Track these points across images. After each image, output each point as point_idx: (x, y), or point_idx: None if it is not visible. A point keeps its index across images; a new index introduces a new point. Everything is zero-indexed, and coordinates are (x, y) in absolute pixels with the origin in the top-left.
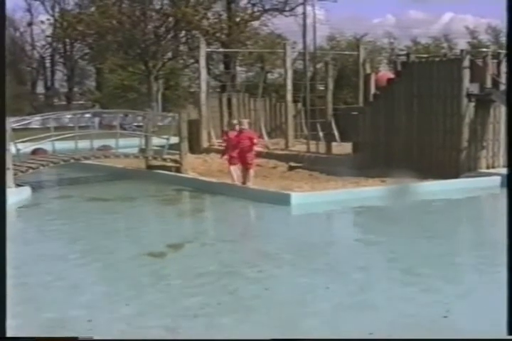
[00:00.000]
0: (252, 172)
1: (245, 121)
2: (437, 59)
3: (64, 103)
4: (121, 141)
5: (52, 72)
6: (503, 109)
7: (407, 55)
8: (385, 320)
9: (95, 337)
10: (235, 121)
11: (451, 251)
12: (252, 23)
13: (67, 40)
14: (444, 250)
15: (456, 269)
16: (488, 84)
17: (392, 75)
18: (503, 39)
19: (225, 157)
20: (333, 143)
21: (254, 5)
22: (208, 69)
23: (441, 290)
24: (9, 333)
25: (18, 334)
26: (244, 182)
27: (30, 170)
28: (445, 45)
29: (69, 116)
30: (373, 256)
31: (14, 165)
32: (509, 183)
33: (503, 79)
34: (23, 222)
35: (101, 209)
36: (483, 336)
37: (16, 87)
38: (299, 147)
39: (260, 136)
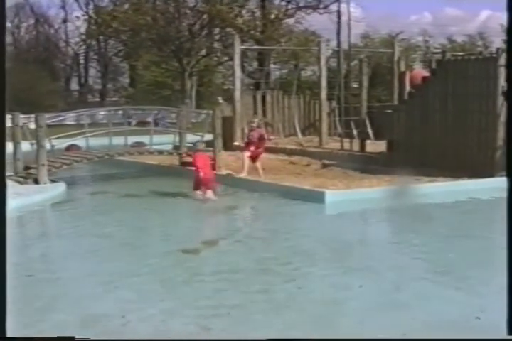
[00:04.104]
0: (258, 164)
1: (256, 120)
2: (473, 57)
3: (98, 100)
4: (155, 138)
5: (86, 69)
6: None
7: (443, 52)
8: (418, 319)
9: (92, 337)
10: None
11: (484, 249)
12: (286, 20)
13: (101, 37)
14: (479, 248)
15: (494, 269)
16: None
17: (426, 73)
18: None
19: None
20: (367, 141)
21: (288, 2)
22: (242, 67)
23: (477, 291)
24: (9, 333)
25: (19, 334)
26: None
27: (64, 166)
28: (480, 43)
29: (103, 113)
30: (408, 255)
31: (48, 161)
32: (510, 185)
33: None
34: (57, 217)
35: (135, 205)
36: (483, 336)
37: (50, 84)
38: (332, 145)
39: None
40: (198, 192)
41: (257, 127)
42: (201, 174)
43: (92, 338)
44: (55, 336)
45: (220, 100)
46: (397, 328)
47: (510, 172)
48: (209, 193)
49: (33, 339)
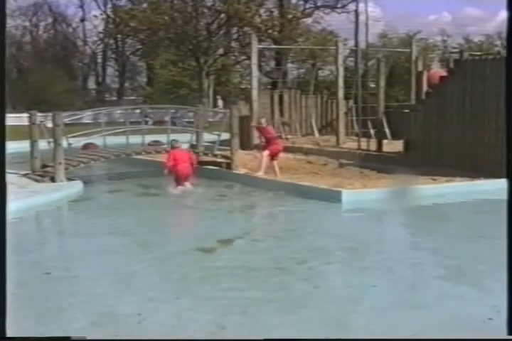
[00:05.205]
0: (275, 163)
1: (263, 120)
2: (490, 57)
3: (115, 98)
4: (172, 137)
5: (104, 68)
6: None
7: (460, 52)
8: (433, 319)
9: (88, 337)
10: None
11: (498, 250)
12: (304, 19)
13: (119, 36)
14: (491, 249)
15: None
16: None
17: (444, 73)
18: None
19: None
20: (384, 141)
21: (306, 2)
22: (260, 66)
23: (490, 290)
24: (9, 333)
25: (19, 334)
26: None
27: (81, 165)
28: (498, 42)
29: (120, 112)
30: (424, 255)
31: (65, 159)
32: (509, 186)
33: None
34: (74, 215)
35: (151, 203)
36: (483, 336)
37: (67, 83)
38: (349, 144)
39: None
40: (180, 187)
41: (266, 125)
42: (178, 169)
43: (88, 338)
44: (55, 336)
45: (220, 98)
46: (405, 328)
47: (510, 173)
48: (186, 184)
49: (32, 339)
